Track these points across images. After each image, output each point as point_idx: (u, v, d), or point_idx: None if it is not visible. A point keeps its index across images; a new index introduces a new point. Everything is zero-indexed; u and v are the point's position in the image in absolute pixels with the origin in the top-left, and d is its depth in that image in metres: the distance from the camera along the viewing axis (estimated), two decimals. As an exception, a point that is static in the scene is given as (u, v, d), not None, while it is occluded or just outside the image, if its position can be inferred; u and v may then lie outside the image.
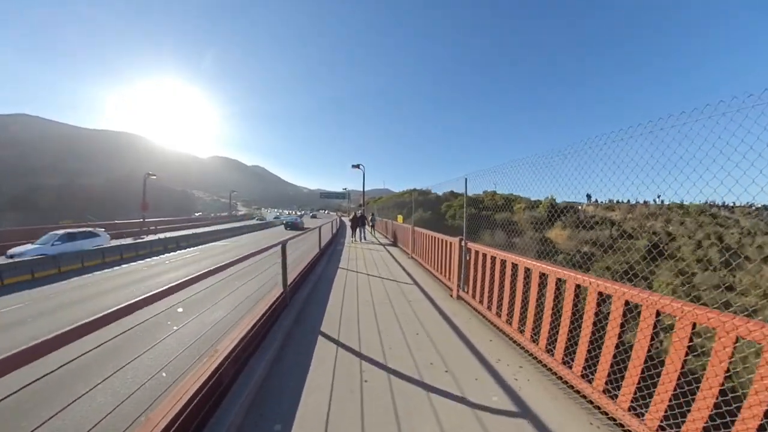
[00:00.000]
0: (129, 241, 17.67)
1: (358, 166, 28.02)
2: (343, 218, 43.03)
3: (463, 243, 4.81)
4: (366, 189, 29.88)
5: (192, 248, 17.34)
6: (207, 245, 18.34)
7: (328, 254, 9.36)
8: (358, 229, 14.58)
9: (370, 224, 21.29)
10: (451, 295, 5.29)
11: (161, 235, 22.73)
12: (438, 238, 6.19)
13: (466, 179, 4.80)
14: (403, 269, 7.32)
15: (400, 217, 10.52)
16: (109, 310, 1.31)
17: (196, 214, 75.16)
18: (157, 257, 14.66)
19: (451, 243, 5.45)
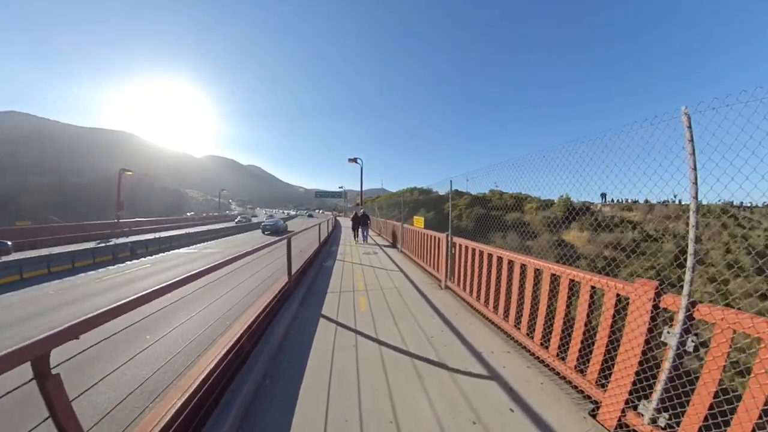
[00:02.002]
0: (67, 249, 14.21)
1: (355, 160, 24.72)
2: (338, 218, 39.72)
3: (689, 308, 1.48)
4: (363, 188, 26.57)
5: (150, 257, 13.92)
6: (171, 252, 14.91)
7: (308, 281, 5.99)
8: (360, 230, 13.64)
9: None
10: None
11: (129, 239, 19.27)
12: (578, 279, 2.73)
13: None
14: (444, 320, 3.97)
15: (419, 220, 7.11)
16: None
17: (188, 214, 72.42)
18: (95, 272, 11.25)
19: (619, 294, 2.14)
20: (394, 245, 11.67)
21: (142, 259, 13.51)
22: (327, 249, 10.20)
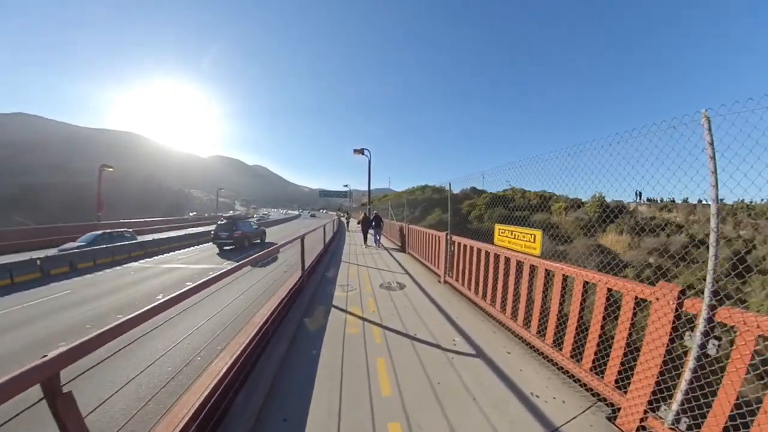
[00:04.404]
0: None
1: (361, 152, 20.96)
2: (342, 219, 36.14)
3: None
4: (369, 187, 22.82)
5: (89, 275, 10.28)
6: (121, 267, 11.23)
7: (262, 388, 2.19)
8: (371, 233, 12.44)
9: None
10: None
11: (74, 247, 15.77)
12: None
13: None
14: None
15: (529, 237, 3.04)
16: None
17: (191, 214, 70.94)
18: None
19: None
20: (402, 249, 10.89)
21: (75, 279, 9.90)
22: (318, 276, 6.35)
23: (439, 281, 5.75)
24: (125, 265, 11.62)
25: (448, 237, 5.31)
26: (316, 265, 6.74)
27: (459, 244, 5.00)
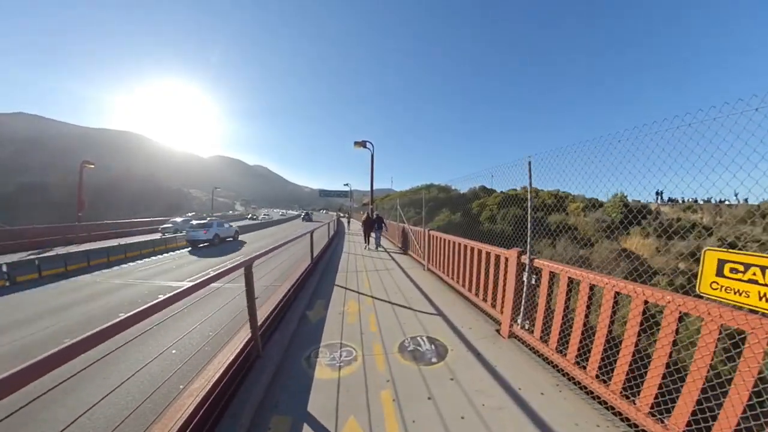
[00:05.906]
0: None
1: (363, 144, 18.71)
2: (342, 219, 34.05)
3: None
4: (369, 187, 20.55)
5: (19, 293, 8.04)
6: (62, 283, 8.91)
7: None
8: (373, 234, 12.31)
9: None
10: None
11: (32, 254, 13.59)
12: None
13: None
14: None
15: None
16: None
17: (189, 214, 69.66)
18: None
19: None
20: (404, 251, 10.69)
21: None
22: (291, 323, 3.95)
23: (498, 331, 3.44)
24: (73, 279, 9.36)
25: (528, 261, 3.00)
26: (290, 302, 4.38)
27: (559, 276, 2.60)
